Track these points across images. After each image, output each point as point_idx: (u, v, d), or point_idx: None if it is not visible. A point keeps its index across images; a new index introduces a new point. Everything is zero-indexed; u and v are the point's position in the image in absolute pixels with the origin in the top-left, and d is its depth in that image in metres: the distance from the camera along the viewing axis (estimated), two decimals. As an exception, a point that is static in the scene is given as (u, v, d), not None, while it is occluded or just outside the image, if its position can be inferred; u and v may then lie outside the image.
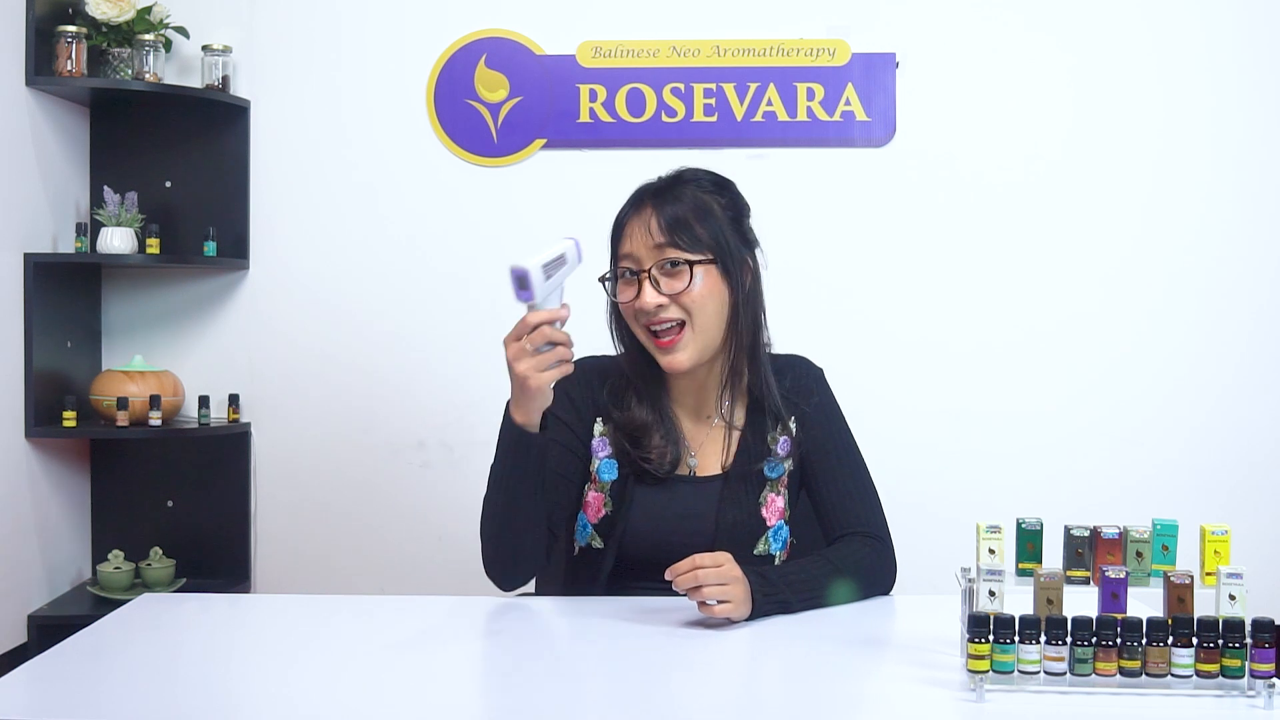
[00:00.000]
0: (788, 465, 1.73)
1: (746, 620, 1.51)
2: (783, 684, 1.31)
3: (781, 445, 1.73)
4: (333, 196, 3.00)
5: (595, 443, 1.74)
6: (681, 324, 1.64)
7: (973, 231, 2.97)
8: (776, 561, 1.70)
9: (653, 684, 1.32)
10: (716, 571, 1.47)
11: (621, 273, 1.67)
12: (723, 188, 1.72)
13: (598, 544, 1.70)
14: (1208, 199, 2.96)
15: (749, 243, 1.73)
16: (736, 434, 1.72)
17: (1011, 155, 2.97)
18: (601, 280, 1.70)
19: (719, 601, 1.48)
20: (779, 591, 1.55)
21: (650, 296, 1.63)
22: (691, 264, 1.63)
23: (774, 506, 1.71)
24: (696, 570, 1.47)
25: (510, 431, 1.58)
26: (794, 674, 1.35)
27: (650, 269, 1.63)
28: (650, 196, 1.68)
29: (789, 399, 1.74)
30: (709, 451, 1.74)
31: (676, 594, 1.51)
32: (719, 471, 1.72)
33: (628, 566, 1.69)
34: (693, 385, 1.74)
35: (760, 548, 1.69)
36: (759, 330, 1.73)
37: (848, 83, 2.95)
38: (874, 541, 1.69)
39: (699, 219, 1.65)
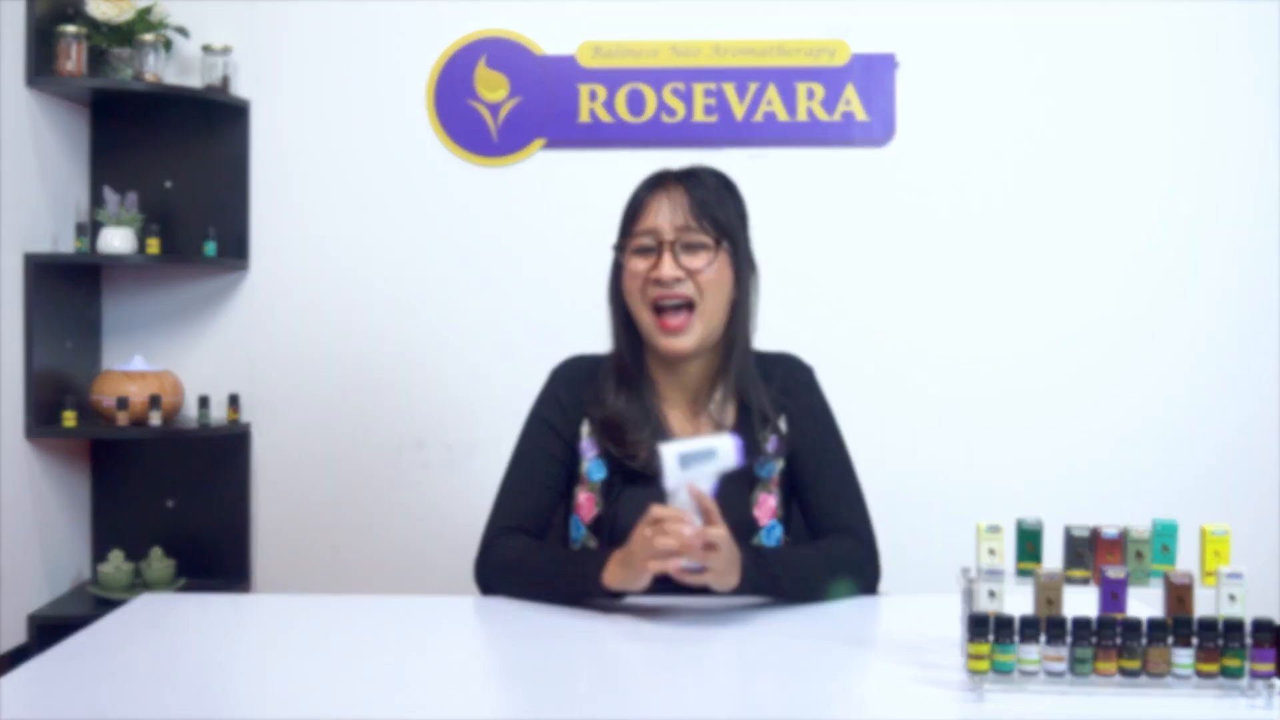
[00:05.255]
0: (778, 464, 1.73)
1: (734, 593, 1.51)
2: (782, 684, 1.31)
3: (771, 444, 1.72)
4: (333, 196, 3.00)
5: (583, 444, 1.73)
6: (690, 306, 1.66)
7: (972, 232, 2.97)
8: None
9: (651, 684, 1.32)
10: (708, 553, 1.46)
11: (639, 245, 1.68)
12: (734, 189, 1.75)
13: (592, 544, 1.70)
14: (1209, 200, 2.96)
15: (750, 248, 1.75)
16: None
17: (1011, 156, 2.97)
18: (615, 250, 1.71)
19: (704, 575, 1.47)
20: (770, 566, 1.54)
21: (669, 267, 1.64)
22: (710, 248, 1.66)
23: (765, 506, 1.71)
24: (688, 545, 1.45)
25: (589, 580, 1.54)
26: (793, 674, 1.35)
27: (673, 243, 1.66)
28: (675, 178, 1.71)
29: (777, 398, 1.74)
30: None
31: (670, 593, 1.51)
32: None
33: None
34: (683, 382, 1.74)
35: None
36: (750, 332, 1.74)
37: (847, 83, 2.95)
38: (860, 544, 1.70)
39: (720, 208, 1.69)
